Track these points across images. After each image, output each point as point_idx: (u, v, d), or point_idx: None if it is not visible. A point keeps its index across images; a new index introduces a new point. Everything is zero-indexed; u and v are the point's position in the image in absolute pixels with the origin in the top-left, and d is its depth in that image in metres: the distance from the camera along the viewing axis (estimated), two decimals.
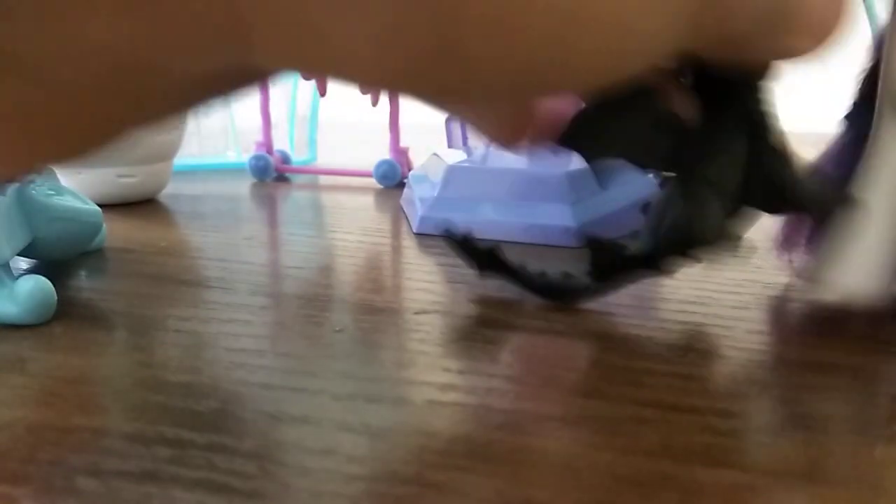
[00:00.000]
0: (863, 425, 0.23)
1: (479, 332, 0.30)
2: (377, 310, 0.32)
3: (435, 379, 0.26)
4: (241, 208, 0.56)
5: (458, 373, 0.26)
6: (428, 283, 0.36)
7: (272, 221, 0.53)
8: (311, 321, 0.31)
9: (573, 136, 0.26)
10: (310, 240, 0.46)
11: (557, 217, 0.42)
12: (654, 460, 0.20)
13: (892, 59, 0.29)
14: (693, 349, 0.28)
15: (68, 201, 0.36)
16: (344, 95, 0.71)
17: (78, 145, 0.13)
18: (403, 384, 0.25)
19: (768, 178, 0.27)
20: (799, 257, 0.35)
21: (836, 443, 0.21)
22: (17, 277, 0.30)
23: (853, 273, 0.31)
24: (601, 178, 0.39)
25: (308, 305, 0.33)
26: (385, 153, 0.67)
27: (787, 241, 0.36)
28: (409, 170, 0.64)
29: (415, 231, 0.47)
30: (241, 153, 0.76)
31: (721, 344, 0.29)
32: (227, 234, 0.47)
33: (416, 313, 0.32)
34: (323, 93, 0.65)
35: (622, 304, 0.34)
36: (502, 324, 0.31)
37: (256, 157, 0.67)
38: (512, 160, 0.36)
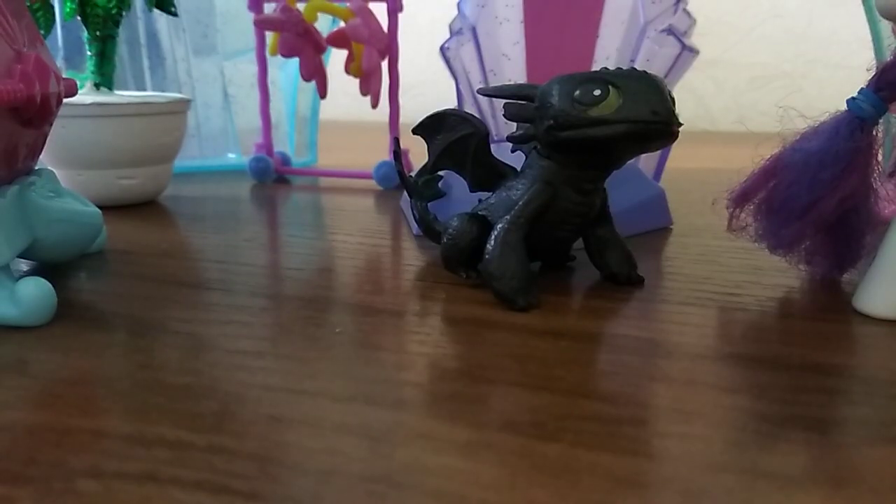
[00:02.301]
0: (862, 427, 0.23)
1: (479, 333, 0.30)
2: (377, 311, 0.32)
3: (434, 381, 0.26)
4: (242, 210, 0.56)
5: (458, 374, 0.26)
6: (428, 285, 0.36)
7: (272, 223, 0.53)
8: (311, 323, 0.31)
9: (421, 127, 0.39)
10: (310, 241, 0.46)
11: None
12: (654, 464, 0.20)
13: None
14: (692, 351, 0.28)
15: (68, 203, 0.36)
16: (344, 97, 0.71)
17: None
18: (403, 386, 0.25)
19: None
20: (747, 216, 0.36)
21: (836, 444, 0.21)
22: (18, 279, 0.30)
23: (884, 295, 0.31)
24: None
25: (308, 307, 0.33)
26: (385, 155, 0.67)
27: (740, 198, 0.36)
28: (409, 171, 0.64)
29: (415, 233, 0.47)
30: (242, 155, 0.76)
31: (721, 346, 0.29)
32: (228, 235, 0.47)
33: (416, 315, 0.32)
34: (323, 95, 0.65)
35: (622, 305, 0.34)
36: (502, 325, 0.31)
37: (256, 159, 0.67)
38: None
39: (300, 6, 0.61)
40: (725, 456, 0.21)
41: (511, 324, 0.31)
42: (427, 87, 0.94)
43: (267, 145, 0.68)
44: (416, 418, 0.23)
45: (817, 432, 0.22)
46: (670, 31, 0.49)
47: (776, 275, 0.38)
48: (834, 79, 1.12)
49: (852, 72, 0.35)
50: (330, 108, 0.77)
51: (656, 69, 0.50)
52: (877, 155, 0.33)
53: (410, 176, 0.42)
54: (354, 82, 0.63)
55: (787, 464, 0.20)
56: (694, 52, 0.50)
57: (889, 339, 0.30)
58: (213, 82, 0.75)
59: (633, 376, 0.26)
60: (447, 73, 0.57)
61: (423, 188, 0.41)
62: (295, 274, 0.39)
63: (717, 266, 0.40)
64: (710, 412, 0.23)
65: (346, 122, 0.95)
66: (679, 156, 0.57)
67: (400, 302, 0.34)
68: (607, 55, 0.52)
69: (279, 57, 0.63)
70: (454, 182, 0.42)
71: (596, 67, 0.52)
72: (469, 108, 0.56)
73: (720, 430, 0.22)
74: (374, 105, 0.63)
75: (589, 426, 0.22)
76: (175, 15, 0.60)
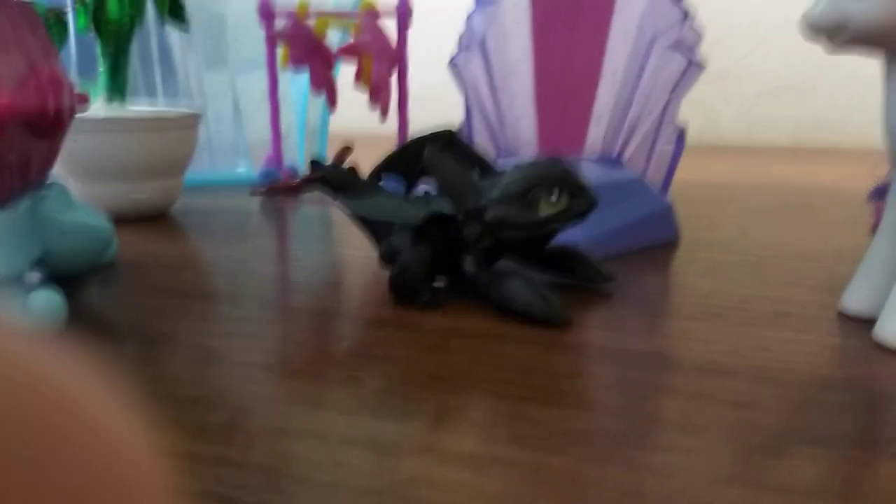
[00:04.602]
0: (869, 442, 0.23)
1: (486, 346, 0.30)
2: (384, 324, 0.33)
3: (441, 393, 0.26)
4: (251, 222, 0.56)
5: (465, 387, 0.26)
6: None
7: (281, 235, 0.54)
8: (320, 335, 0.32)
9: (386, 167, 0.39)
10: (319, 254, 0.47)
11: (566, 232, 0.42)
12: (660, 477, 0.20)
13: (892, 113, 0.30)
14: (698, 365, 0.28)
15: (79, 216, 0.37)
16: (353, 109, 0.72)
17: None
18: (410, 399, 0.25)
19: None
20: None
21: (843, 459, 0.21)
22: (29, 291, 0.31)
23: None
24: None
25: (316, 319, 0.34)
26: None
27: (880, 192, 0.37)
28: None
29: None
30: (252, 167, 0.76)
31: (726, 359, 0.29)
32: (237, 248, 0.47)
33: (424, 328, 0.32)
34: (333, 107, 0.66)
35: (627, 318, 0.34)
36: (509, 339, 0.31)
37: (266, 172, 0.68)
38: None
39: (310, 20, 0.61)
40: (731, 470, 0.21)
41: (518, 337, 0.31)
42: (436, 101, 0.95)
43: (277, 158, 0.69)
44: (423, 431, 0.23)
45: (824, 447, 0.22)
46: (678, 45, 0.49)
47: (783, 288, 0.38)
48: (843, 90, 1.12)
49: (862, 82, 0.35)
50: (339, 121, 0.77)
51: (663, 83, 0.50)
52: None
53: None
54: (364, 95, 0.63)
55: (793, 478, 0.20)
56: (701, 66, 0.50)
57: None
58: (224, 95, 0.76)
59: (639, 389, 0.26)
60: (456, 86, 0.57)
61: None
62: (303, 287, 0.39)
63: (723, 280, 0.39)
64: (716, 426, 0.23)
65: (356, 134, 0.96)
66: (687, 169, 0.57)
67: (407, 314, 0.34)
68: (614, 70, 0.52)
69: (289, 70, 0.63)
70: None
71: (604, 82, 0.53)
72: (476, 121, 0.56)
73: (726, 443, 0.22)
74: (384, 117, 0.64)
75: (595, 440, 0.22)
76: (186, 31, 0.60)
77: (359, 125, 0.83)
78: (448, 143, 0.37)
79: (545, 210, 0.33)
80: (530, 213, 0.33)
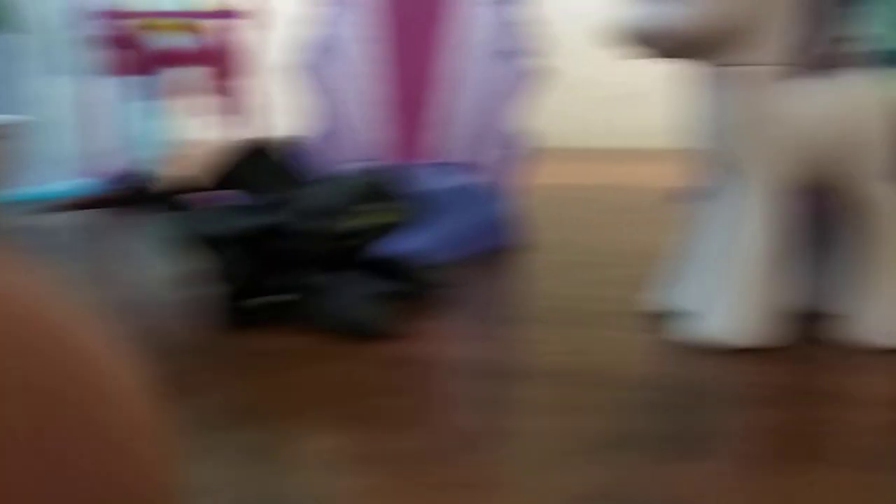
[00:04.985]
0: (680, 440, 0.23)
1: (314, 367, 0.29)
2: (207, 348, 0.31)
3: (265, 423, 0.24)
4: (80, 240, 0.52)
5: (295, 413, 0.25)
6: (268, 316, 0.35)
7: (97, 255, 0.50)
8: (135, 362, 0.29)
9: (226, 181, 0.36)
10: (137, 274, 0.43)
11: (407, 240, 0.42)
12: (479, 492, 0.20)
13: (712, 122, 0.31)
14: (527, 371, 0.28)
15: None
16: (198, 117, 0.69)
17: None
18: (213, 429, 0.24)
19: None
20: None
21: (656, 459, 0.22)
22: None
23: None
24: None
25: (134, 346, 0.31)
26: None
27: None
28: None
29: None
30: (81, 180, 0.71)
31: (553, 365, 0.29)
32: (63, 269, 0.43)
33: (256, 353, 0.30)
34: (176, 115, 0.62)
35: (460, 327, 0.34)
36: (339, 356, 0.30)
37: (99, 184, 0.63)
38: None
39: (147, 23, 0.58)
40: (548, 479, 0.20)
41: (347, 353, 0.30)
42: (290, 105, 0.93)
43: (111, 169, 0.65)
44: (239, 468, 0.21)
45: (637, 448, 0.22)
46: (517, 53, 0.50)
47: (620, 289, 0.39)
48: (680, 94, 1.19)
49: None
50: (184, 129, 0.74)
51: (504, 90, 0.51)
52: None
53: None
54: (210, 101, 0.60)
55: (605, 481, 0.20)
56: (543, 73, 0.51)
57: (718, 354, 0.30)
58: (53, 103, 0.70)
59: (464, 402, 0.26)
60: (309, 90, 0.55)
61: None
62: (121, 310, 0.37)
63: (562, 281, 0.40)
64: (537, 433, 0.23)
65: (201, 142, 0.92)
66: (537, 172, 0.58)
67: (230, 335, 0.32)
68: (455, 77, 0.52)
69: (121, 77, 0.59)
70: None
71: (445, 89, 0.53)
72: (331, 124, 0.55)
73: (547, 452, 0.22)
74: (234, 124, 0.61)
75: (414, 461, 0.22)
76: (18, 33, 0.55)
77: (205, 132, 0.79)
78: (265, 154, 0.35)
79: (363, 221, 0.32)
80: (349, 224, 0.32)
